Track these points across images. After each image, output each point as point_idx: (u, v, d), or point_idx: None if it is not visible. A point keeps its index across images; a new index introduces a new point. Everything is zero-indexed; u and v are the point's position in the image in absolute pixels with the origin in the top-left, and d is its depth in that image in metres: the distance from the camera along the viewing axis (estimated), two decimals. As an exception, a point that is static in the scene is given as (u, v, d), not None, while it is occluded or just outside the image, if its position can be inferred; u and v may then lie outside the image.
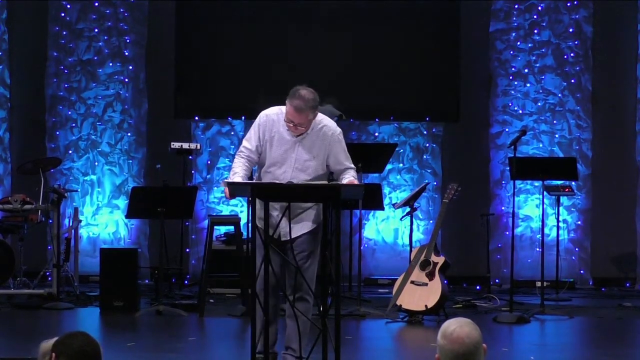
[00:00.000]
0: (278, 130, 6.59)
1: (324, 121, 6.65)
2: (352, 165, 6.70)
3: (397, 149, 11.49)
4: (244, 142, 6.70)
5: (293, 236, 6.43)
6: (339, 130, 6.69)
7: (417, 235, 11.65)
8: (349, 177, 6.56)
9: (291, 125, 6.50)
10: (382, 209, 11.44)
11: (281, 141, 6.57)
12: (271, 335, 6.39)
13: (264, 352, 6.16)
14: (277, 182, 6.43)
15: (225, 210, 11.91)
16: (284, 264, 6.56)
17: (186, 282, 11.56)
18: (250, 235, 6.64)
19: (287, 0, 12.07)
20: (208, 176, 12.04)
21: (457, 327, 3.68)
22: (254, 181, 6.60)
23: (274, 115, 6.63)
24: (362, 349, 8.25)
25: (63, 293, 10.07)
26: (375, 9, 12.05)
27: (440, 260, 9.25)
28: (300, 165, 6.56)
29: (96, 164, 11.88)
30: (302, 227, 6.55)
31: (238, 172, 6.55)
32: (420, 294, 9.14)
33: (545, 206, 9.96)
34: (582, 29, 12.01)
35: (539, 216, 10.82)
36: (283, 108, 6.56)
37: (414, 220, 9.98)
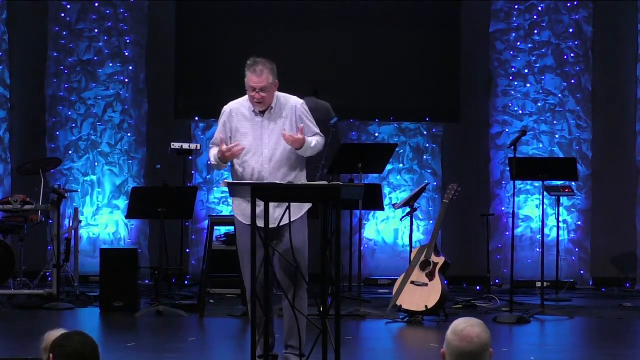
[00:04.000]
0: (243, 114, 6.72)
1: (286, 96, 6.80)
2: (319, 132, 6.80)
3: (397, 149, 11.49)
4: (214, 137, 6.83)
5: (283, 223, 6.42)
6: (301, 100, 6.83)
7: (417, 236, 11.64)
8: (313, 140, 6.65)
9: (254, 93, 6.61)
10: (382, 209, 11.43)
11: (247, 125, 6.68)
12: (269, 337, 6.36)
13: (263, 354, 6.15)
14: (258, 173, 6.56)
15: (225, 210, 11.90)
16: (278, 260, 6.54)
17: (186, 282, 11.57)
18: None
19: (287, 0, 12.08)
20: (208, 176, 12.04)
21: (468, 325, 3.71)
22: (254, 182, 6.59)
23: (235, 103, 6.82)
24: (362, 349, 8.25)
25: (63, 293, 10.07)
26: (375, 9, 12.05)
27: (440, 260, 9.24)
28: (273, 145, 6.63)
29: (96, 164, 11.88)
30: (292, 214, 6.52)
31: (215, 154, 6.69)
32: (420, 294, 9.14)
33: (545, 206, 9.96)
34: (582, 29, 12.00)
35: (539, 216, 10.81)
36: (244, 96, 6.73)
37: (413, 220, 9.97)
